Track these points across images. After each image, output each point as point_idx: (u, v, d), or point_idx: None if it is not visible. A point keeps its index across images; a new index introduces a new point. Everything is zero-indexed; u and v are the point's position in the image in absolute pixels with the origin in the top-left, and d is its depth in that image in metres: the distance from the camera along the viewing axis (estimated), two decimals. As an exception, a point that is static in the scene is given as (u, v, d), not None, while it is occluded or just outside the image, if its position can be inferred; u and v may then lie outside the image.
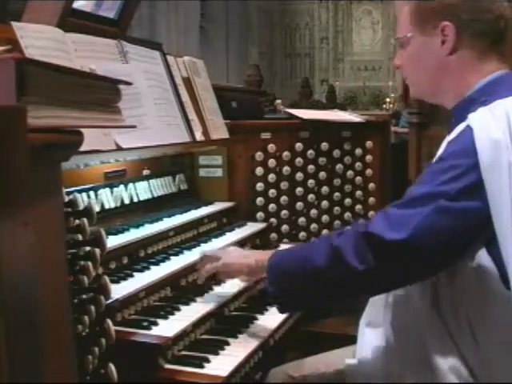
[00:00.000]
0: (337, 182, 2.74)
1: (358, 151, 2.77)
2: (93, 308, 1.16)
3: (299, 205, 2.67)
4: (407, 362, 1.47)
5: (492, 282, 1.34)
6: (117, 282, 1.60)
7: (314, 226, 2.71)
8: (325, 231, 2.72)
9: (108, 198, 1.96)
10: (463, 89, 1.52)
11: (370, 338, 1.57)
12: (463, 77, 1.52)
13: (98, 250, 1.17)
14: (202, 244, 2.07)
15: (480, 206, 1.31)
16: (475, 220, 1.32)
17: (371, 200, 2.80)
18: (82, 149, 1.05)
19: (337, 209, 2.75)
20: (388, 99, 13.60)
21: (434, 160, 1.44)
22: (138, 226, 1.93)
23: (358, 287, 1.45)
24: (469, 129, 1.37)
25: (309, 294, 1.50)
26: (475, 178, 1.31)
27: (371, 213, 2.79)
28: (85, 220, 1.15)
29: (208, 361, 1.47)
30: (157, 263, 1.81)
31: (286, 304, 1.56)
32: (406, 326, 1.49)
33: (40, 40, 1.53)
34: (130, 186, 2.09)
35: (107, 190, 1.97)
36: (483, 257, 1.35)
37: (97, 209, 1.85)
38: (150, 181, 2.22)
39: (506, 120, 1.33)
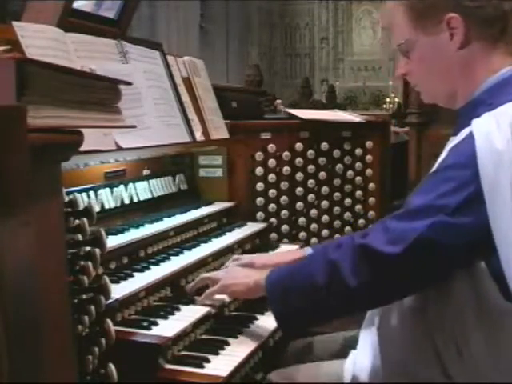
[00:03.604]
0: (337, 182, 2.74)
1: (358, 151, 2.77)
2: (93, 308, 1.16)
3: (299, 205, 2.67)
4: (392, 371, 1.47)
5: (490, 294, 1.31)
6: (117, 282, 1.60)
7: (314, 225, 2.71)
8: (325, 231, 2.72)
9: (108, 198, 1.96)
10: (471, 87, 1.45)
11: (363, 343, 1.57)
12: (473, 72, 1.44)
13: (97, 250, 1.17)
14: (202, 244, 2.07)
15: (479, 220, 1.26)
16: (474, 235, 1.28)
17: (371, 200, 2.80)
18: (82, 149, 1.05)
19: (337, 209, 2.75)
20: (388, 99, 13.60)
21: (436, 166, 1.39)
22: (138, 226, 1.92)
23: (356, 303, 1.44)
24: (471, 136, 1.31)
25: (309, 311, 1.47)
26: (475, 190, 1.27)
27: (371, 213, 2.79)
28: (85, 220, 1.15)
29: (208, 361, 1.47)
30: (157, 263, 1.81)
31: (287, 323, 1.52)
32: (391, 334, 1.48)
33: (40, 40, 1.53)
34: (130, 185, 2.09)
35: (107, 189, 1.97)
36: (480, 269, 1.32)
37: (97, 209, 1.85)
38: (150, 181, 2.22)
39: (511, 130, 1.27)
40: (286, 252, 2.09)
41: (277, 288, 1.51)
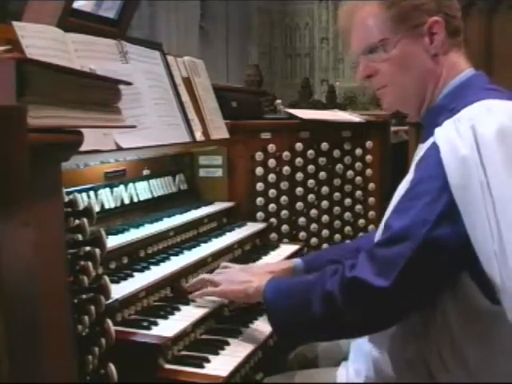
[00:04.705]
0: (337, 182, 2.74)
1: (358, 151, 2.77)
2: (93, 308, 1.16)
3: (299, 205, 2.67)
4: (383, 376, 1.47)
5: (475, 300, 1.30)
6: (117, 282, 1.60)
7: (314, 225, 2.71)
8: (325, 231, 2.72)
9: (108, 198, 1.96)
10: (435, 94, 1.46)
11: (355, 354, 1.57)
12: (440, 78, 1.45)
13: (98, 250, 1.17)
14: (202, 244, 2.07)
15: (458, 229, 1.25)
16: (457, 244, 1.26)
17: (371, 200, 2.80)
18: (82, 149, 1.05)
19: (337, 209, 2.75)
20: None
21: (408, 184, 1.37)
22: (138, 226, 1.93)
23: (354, 332, 1.45)
24: (435, 147, 1.30)
25: (307, 333, 1.49)
26: (448, 200, 1.25)
27: (371, 213, 2.79)
28: (85, 220, 1.15)
29: (208, 361, 1.47)
30: (157, 263, 1.81)
31: (285, 337, 1.53)
32: (382, 346, 1.47)
33: (41, 40, 1.53)
34: (130, 185, 2.09)
35: (107, 189, 1.97)
36: (463, 277, 1.30)
37: (97, 209, 1.85)
38: (150, 181, 2.22)
39: (472, 134, 1.26)
40: (276, 263, 2.05)
41: (273, 306, 1.50)
